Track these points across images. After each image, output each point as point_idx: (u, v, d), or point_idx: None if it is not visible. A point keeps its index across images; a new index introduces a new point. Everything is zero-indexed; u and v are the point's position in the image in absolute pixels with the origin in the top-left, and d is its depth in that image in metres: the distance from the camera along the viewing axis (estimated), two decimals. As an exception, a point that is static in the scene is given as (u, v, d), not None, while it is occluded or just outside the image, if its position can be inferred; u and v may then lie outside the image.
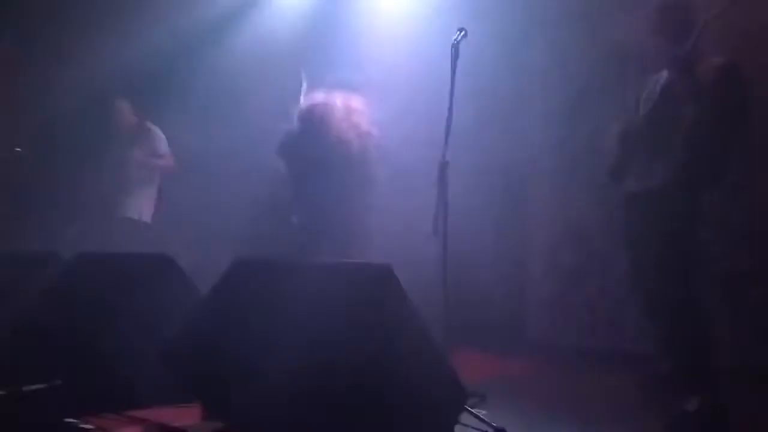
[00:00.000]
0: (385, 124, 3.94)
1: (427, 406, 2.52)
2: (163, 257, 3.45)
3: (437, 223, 3.36)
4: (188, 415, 2.99)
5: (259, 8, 5.91)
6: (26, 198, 5.84)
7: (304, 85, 3.94)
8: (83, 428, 2.85)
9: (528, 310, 4.99)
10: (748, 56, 3.56)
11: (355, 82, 4.06)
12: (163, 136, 5.67)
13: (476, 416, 2.98)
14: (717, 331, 3.35)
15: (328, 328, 2.44)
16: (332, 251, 3.78)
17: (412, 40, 5.18)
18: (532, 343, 4.91)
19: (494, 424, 2.91)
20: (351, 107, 3.88)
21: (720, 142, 3.29)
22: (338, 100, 3.86)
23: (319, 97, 3.89)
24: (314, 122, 3.84)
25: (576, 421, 3.26)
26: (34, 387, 3.08)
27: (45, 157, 5.78)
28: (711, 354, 3.24)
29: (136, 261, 3.66)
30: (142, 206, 5.62)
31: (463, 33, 3.50)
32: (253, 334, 2.64)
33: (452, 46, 3.48)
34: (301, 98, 3.93)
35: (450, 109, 3.41)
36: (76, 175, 5.70)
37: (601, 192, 4.62)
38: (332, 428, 2.34)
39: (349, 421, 2.30)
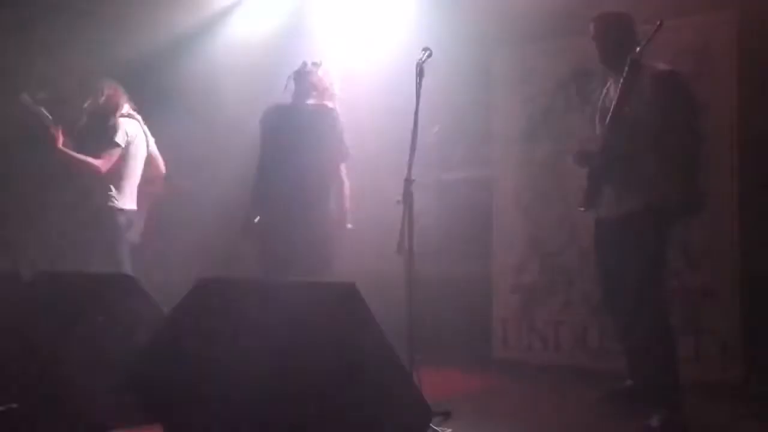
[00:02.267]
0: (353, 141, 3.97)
1: (392, 424, 2.52)
2: (125, 276, 3.40)
3: (402, 241, 3.38)
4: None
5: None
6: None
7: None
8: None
9: (492, 328, 5.01)
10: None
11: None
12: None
13: (441, 434, 2.98)
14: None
15: (291, 348, 2.43)
16: (297, 251, 3.79)
17: (378, 56, 5.22)
18: (496, 360, 4.93)
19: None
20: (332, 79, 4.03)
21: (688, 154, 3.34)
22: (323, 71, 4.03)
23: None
24: (302, 87, 3.97)
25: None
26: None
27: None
28: (676, 371, 3.30)
29: (98, 279, 3.61)
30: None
31: (427, 53, 3.53)
32: (215, 355, 2.61)
33: (417, 65, 3.52)
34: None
35: (415, 128, 3.45)
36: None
37: (564, 211, 4.72)
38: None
39: (313, 442, 2.29)
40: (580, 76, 4.73)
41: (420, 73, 3.51)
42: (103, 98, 4.60)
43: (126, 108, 4.65)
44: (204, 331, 2.79)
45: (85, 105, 4.66)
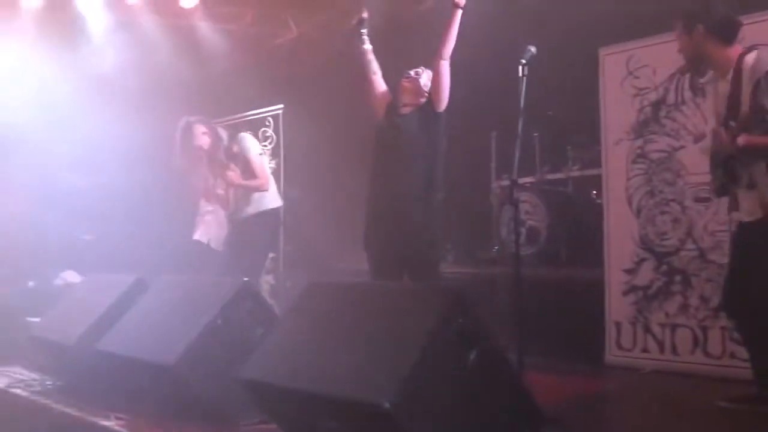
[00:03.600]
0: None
1: (504, 429, 2.51)
2: (241, 280, 3.54)
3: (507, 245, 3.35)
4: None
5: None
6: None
7: None
8: None
9: (605, 331, 4.88)
10: None
11: None
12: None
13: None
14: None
15: (403, 350, 2.46)
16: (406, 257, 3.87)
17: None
18: (609, 364, 4.79)
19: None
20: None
21: None
22: None
23: None
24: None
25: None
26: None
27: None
28: None
29: (215, 283, 3.78)
30: (210, 231, 5.81)
31: (531, 52, 3.51)
32: (327, 356, 2.68)
33: (521, 65, 3.49)
34: None
35: (520, 127, 3.41)
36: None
37: (680, 209, 4.54)
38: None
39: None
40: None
41: (524, 72, 3.48)
42: None
43: None
44: (315, 333, 2.87)
45: None
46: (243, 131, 5.79)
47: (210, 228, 5.84)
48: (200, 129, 5.39)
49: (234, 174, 5.34)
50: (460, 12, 3.95)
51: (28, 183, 6.45)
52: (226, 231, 5.81)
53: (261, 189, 5.33)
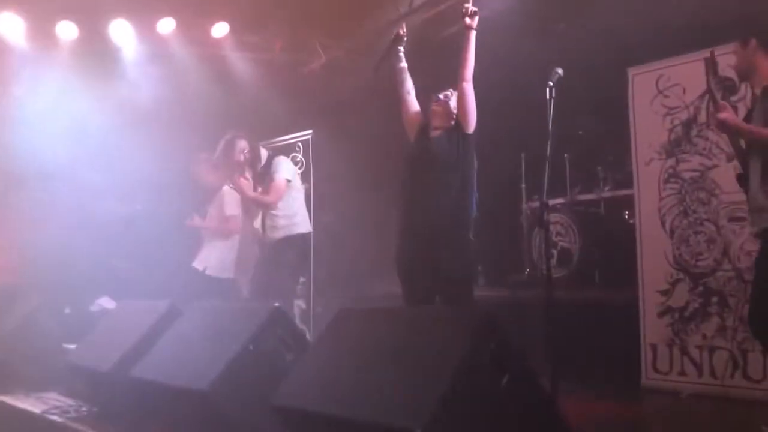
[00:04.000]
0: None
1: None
2: (272, 305, 3.55)
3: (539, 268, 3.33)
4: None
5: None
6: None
7: None
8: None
9: (641, 353, 4.79)
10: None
11: None
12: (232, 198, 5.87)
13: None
14: None
15: (435, 374, 2.45)
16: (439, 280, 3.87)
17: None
18: (645, 387, 4.70)
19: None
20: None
21: None
22: None
23: None
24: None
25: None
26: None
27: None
28: None
29: (247, 309, 3.81)
30: (209, 258, 5.90)
31: (558, 74, 3.51)
32: (359, 382, 2.67)
33: (548, 87, 3.50)
34: None
35: (549, 148, 3.41)
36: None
37: (714, 228, 4.47)
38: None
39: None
40: (723, 87, 4.48)
41: (551, 94, 3.48)
42: None
43: None
44: (347, 358, 2.86)
45: None
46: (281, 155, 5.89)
47: (210, 254, 5.92)
48: (242, 145, 5.49)
49: (246, 182, 5.42)
50: (473, 33, 3.97)
51: (64, 211, 6.57)
52: (233, 256, 5.90)
53: (268, 206, 5.35)
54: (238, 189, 5.47)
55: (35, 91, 6.56)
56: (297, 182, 5.56)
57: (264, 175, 5.43)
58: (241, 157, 5.45)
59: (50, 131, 6.38)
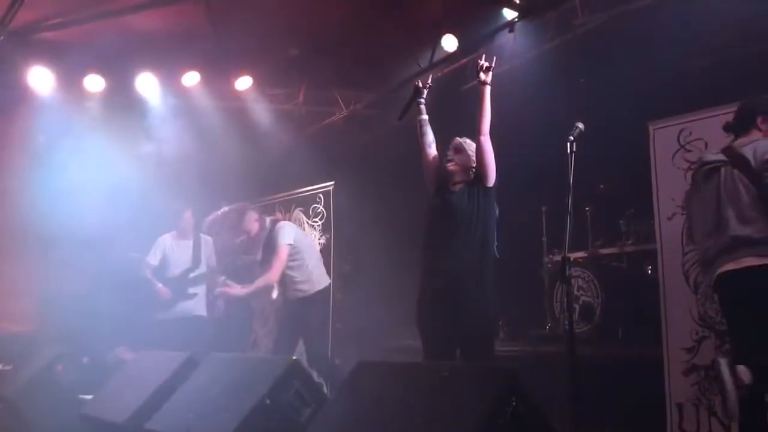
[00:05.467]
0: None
1: None
2: (290, 358, 3.52)
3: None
4: None
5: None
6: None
7: None
8: None
9: (667, 413, 4.67)
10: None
11: None
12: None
13: None
14: None
15: (457, 428, 2.40)
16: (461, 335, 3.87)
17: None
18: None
19: None
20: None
21: None
22: None
23: None
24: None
25: None
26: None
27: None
28: None
29: (265, 361, 3.77)
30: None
31: (578, 129, 3.51)
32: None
33: (569, 141, 3.50)
34: None
35: (569, 203, 3.39)
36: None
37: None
38: None
39: None
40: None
41: (572, 148, 3.47)
42: None
43: None
44: (365, 413, 2.81)
45: None
46: (295, 208, 5.94)
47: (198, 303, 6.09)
48: (254, 216, 5.66)
49: (233, 288, 5.59)
50: (488, 88, 3.99)
51: (85, 262, 6.63)
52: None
53: (267, 284, 5.46)
54: (230, 295, 5.63)
55: (61, 143, 6.71)
56: (303, 242, 5.62)
57: (268, 245, 5.52)
58: (251, 227, 5.62)
59: (76, 182, 6.51)
